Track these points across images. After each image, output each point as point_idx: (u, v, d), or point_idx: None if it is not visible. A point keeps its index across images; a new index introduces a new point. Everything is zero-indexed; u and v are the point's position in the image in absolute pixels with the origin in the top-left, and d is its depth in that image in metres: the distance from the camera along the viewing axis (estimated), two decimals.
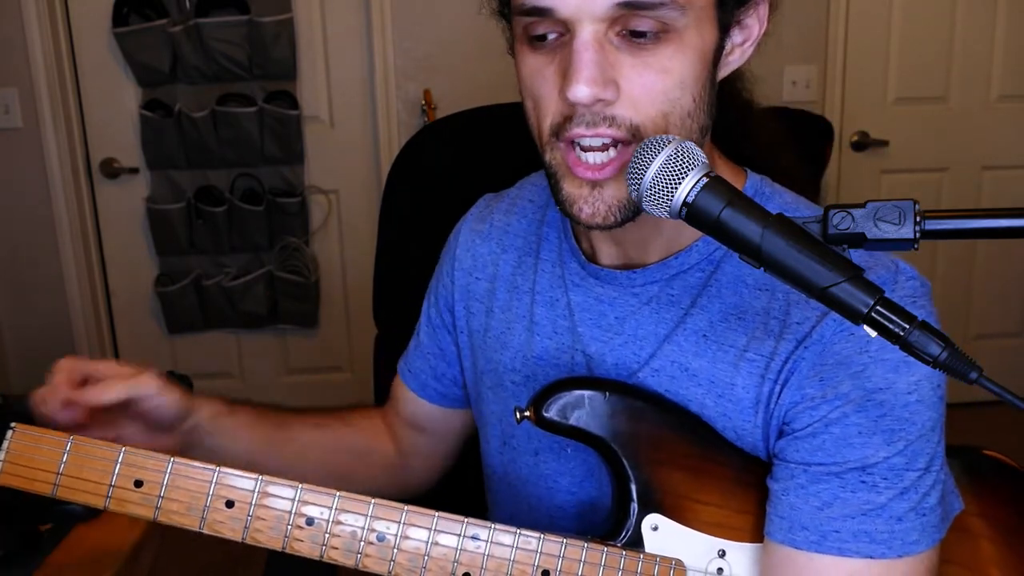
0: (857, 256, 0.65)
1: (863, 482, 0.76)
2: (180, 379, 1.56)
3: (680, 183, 0.65)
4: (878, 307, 0.60)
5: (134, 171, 2.91)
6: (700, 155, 0.67)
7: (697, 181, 0.65)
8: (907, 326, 0.59)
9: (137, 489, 0.74)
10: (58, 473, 0.74)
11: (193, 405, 0.92)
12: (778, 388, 0.80)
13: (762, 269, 0.64)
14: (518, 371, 0.94)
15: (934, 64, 3.05)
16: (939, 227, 0.61)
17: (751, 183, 0.88)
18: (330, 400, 3.09)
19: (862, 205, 0.62)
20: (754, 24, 0.81)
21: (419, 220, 1.10)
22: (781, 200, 0.88)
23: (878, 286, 0.61)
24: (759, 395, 0.81)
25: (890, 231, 0.61)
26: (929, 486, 0.77)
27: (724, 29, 0.78)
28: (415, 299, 1.10)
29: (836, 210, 0.62)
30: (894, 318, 0.60)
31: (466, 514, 0.77)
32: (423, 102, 2.85)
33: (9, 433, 0.74)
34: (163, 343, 3.08)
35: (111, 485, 0.74)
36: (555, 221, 0.95)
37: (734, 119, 0.89)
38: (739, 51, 0.82)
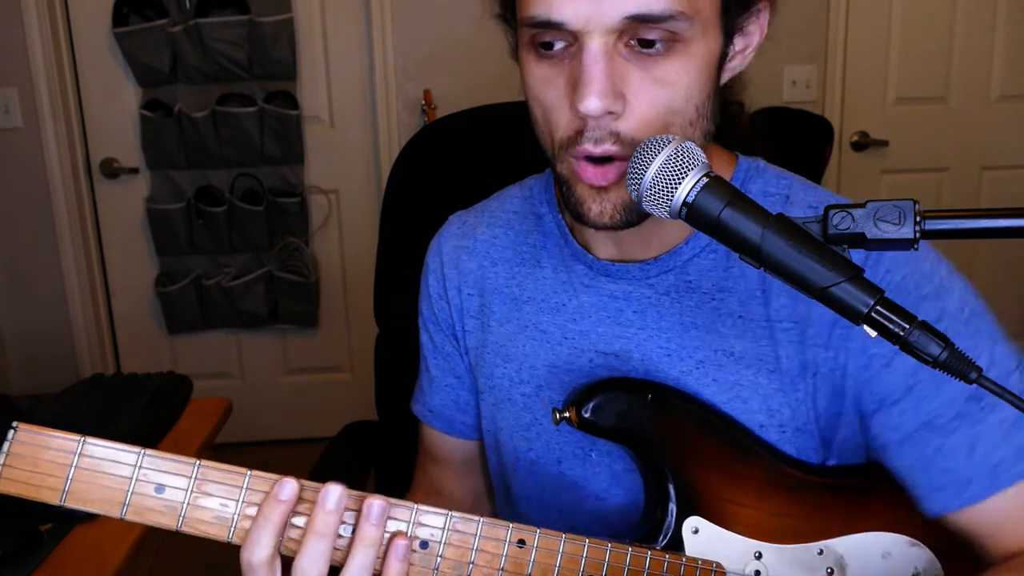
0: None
1: (982, 408, 0.77)
2: (180, 379, 1.57)
3: (680, 183, 0.65)
4: (878, 307, 0.60)
5: (134, 171, 2.91)
6: (700, 155, 0.67)
7: (697, 181, 0.65)
8: (907, 326, 0.59)
9: (159, 496, 0.67)
10: (68, 479, 0.66)
11: None
12: (830, 354, 0.81)
13: (762, 269, 0.64)
14: (526, 382, 0.92)
15: (934, 64, 3.05)
16: (939, 227, 0.61)
17: (742, 164, 0.89)
18: (330, 400, 3.11)
19: (862, 205, 0.62)
20: (755, 31, 0.82)
21: (419, 220, 1.09)
22: (776, 175, 0.88)
23: (878, 286, 0.61)
24: (804, 362, 0.82)
25: (890, 231, 0.61)
26: None
27: (728, 36, 0.78)
28: (416, 299, 1.09)
29: (836, 210, 0.62)
30: (894, 318, 0.60)
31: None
32: (423, 102, 2.85)
33: (11, 434, 0.66)
34: (163, 343, 3.08)
35: (129, 492, 0.67)
36: (553, 229, 0.94)
37: (728, 119, 0.89)
38: (740, 57, 0.82)
